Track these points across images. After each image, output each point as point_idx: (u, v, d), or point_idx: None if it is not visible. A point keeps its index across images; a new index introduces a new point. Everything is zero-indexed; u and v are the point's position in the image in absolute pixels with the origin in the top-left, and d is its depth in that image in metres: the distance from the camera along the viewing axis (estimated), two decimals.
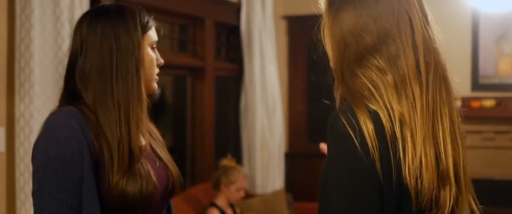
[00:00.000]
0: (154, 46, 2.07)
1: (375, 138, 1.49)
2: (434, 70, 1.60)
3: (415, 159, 1.51)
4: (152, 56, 2.05)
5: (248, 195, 5.55)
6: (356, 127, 1.49)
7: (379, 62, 1.57)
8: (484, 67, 6.23)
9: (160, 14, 5.09)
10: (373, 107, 1.53)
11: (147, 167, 1.97)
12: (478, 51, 6.24)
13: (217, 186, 5.11)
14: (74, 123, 1.86)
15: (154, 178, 1.97)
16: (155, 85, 2.09)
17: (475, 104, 6.08)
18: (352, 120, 1.50)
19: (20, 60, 3.61)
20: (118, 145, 1.91)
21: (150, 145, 2.13)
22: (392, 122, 1.51)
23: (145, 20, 2.03)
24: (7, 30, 3.65)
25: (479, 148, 6.08)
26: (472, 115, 6.02)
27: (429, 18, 1.66)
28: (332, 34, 1.64)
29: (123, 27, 1.98)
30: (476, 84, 6.24)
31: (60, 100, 2.03)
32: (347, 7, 1.62)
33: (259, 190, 6.01)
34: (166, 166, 2.12)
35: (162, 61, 2.10)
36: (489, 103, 6.08)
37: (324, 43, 1.69)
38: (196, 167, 5.72)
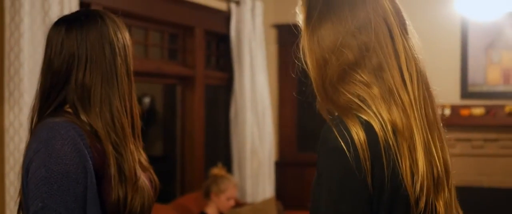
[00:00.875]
0: None
1: (367, 149, 1.48)
2: (418, 78, 1.59)
3: (413, 166, 1.51)
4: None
5: (238, 204, 5.54)
6: (348, 139, 1.49)
7: (362, 76, 1.56)
8: (473, 75, 6.25)
9: (150, 23, 5.09)
10: (364, 117, 1.52)
11: (145, 182, 1.95)
12: (467, 59, 6.26)
13: (207, 195, 5.10)
14: (75, 136, 1.81)
15: (150, 192, 1.96)
16: None
17: (464, 112, 6.10)
18: (344, 132, 1.50)
19: (10, 69, 3.60)
20: (125, 158, 1.88)
21: None
22: (384, 131, 1.51)
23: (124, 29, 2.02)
24: None
25: (468, 156, 6.10)
26: (462, 123, 6.03)
27: (407, 26, 1.66)
28: (311, 52, 1.63)
29: (114, 34, 1.95)
30: (466, 93, 6.25)
31: (39, 111, 1.95)
32: (324, 24, 1.60)
33: (249, 198, 6.00)
34: (150, 174, 2.09)
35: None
36: (478, 111, 6.10)
37: (303, 61, 1.67)
38: (186, 176, 5.71)
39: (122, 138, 1.89)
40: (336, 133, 1.50)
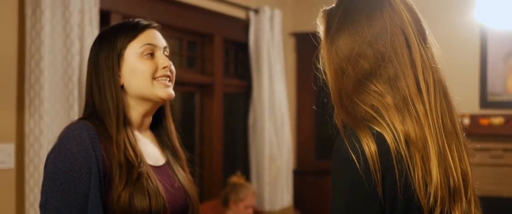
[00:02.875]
0: (151, 51, 2.06)
1: (378, 160, 1.49)
2: (435, 88, 1.59)
3: (426, 177, 1.51)
4: (140, 63, 2.03)
5: (256, 212, 5.54)
6: (359, 151, 1.50)
7: (376, 86, 1.57)
8: (493, 84, 6.22)
9: (168, 30, 5.10)
10: (376, 128, 1.53)
11: (156, 184, 1.96)
12: (487, 68, 6.23)
13: (225, 203, 5.10)
14: (85, 137, 1.88)
15: (163, 195, 1.96)
16: (164, 91, 2.06)
17: (483, 121, 6.07)
18: (355, 144, 1.51)
19: (30, 76, 3.63)
20: (118, 156, 1.92)
21: (168, 164, 2.13)
22: (397, 141, 1.51)
23: (130, 30, 2.05)
24: (18, 47, 3.68)
25: (487, 166, 6.06)
26: (481, 132, 6.00)
27: (427, 35, 1.66)
28: (329, 62, 1.64)
29: (99, 51, 2.04)
30: (485, 102, 6.22)
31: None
32: (342, 34, 1.61)
33: (267, 207, 6.00)
34: (185, 189, 2.10)
35: (167, 63, 2.07)
36: (497, 121, 6.07)
37: (323, 71, 1.69)
38: (204, 184, 5.72)
39: (114, 139, 1.95)
40: (347, 145, 1.52)
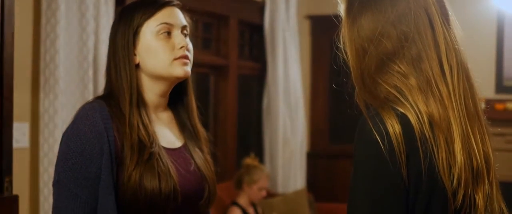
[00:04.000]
0: (168, 30, 2.02)
1: (402, 141, 1.47)
2: (458, 70, 1.58)
3: (450, 159, 1.50)
4: (156, 42, 2.00)
5: (270, 194, 5.55)
6: (384, 132, 1.48)
7: (400, 67, 1.56)
8: (509, 69, 6.19)
9: (184, 11, 5.10)
10: (400, 109, 1.52)
11: (167, 165, 1.95)
12: (503, 53, 6.19)
13: (239, 185, 5.11)
14: (98, 118, 1.88)
15: (174, 177, 1.94)
16: (181, 69, 2.01)
17: (499, 106, 6.04)
18: (380, 125, 1.49)
19: (45, 55, 3.64)
20: (130, 136, 1.91)
21: (185, 146, 2.11)
22: (421, 123, 1.50)
23: (147, 8, 2.02)
24: (33, 26, 3.69)
25: (502, 151, 6.03)
26: (496, 117, 5.97)
27: (450, 17, 1.64)
28: (351, 42, 1.62)
29: (117, 27, 2.03)
30: (501, 86, 6.19)
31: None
32: (365, 14, 1.60)
33: (280, 189, 6.01)
34: (201, 172, 2.08)
35: (184, 43, 2.02)
36: None
37: (343, 50, 1.68)
38: (218, 166, 5.72)
39: (126, 117, 1.95)
40: (371, 126, 1.50)
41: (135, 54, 2.01)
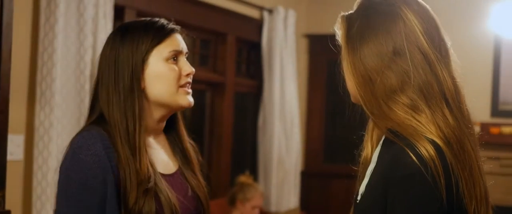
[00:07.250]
0: (176, 57, 2.00)
1: (440, 166, 1.48)
2: (460, 100, 1.60)
3: (472, 188, 1.53)
4: (167, 69, 1.97)
5: (263, 213, 5.53)
6: (425, 159, 1.48)
7: (408, 98, 1.57)
8: (505, 93, 6.20)
9: (182, 27, 5.10)
10: (429, 136, 1.52)
11: (167, 193, 1.92)
12: (499, 77, 6.21)
13: (232, 202, 5.10)
14: (100, 148, 1.84)
15: (176, 205, 1.92)
16: (186, 99, 2.00)
17: (494, 130, 6.04)
18: (418, 151, 1.49)
19: (43, 69, 3.64)
20: (128, 165, 1.87)
21: (180, 170, 2.09)
22: (448, 148, 1.51)
23: (156, 33, 1.98)
24: (31, 39, 3.69)
25: (497, 175, 6.03)
26: (491, 141, 5.97)
27: (448, 47, 1.65)
28: (354, 70, 1.62)
29: (120, 50, 1.95)
30: (496, 111, 6.20)
31: (87, 121, 2.01)
32: (365, 44, 1.60)
33: (273, 208, 5.99)
34: (197, 197, 2.07)
35: (190, 70, 2.01)
36: (508, 130, 6.04)
37: (345, 76, 1.67)
38: (211, 182, 5.71)
39: (123, 144, 1.89)
40: (411, 154, 1.49)
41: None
